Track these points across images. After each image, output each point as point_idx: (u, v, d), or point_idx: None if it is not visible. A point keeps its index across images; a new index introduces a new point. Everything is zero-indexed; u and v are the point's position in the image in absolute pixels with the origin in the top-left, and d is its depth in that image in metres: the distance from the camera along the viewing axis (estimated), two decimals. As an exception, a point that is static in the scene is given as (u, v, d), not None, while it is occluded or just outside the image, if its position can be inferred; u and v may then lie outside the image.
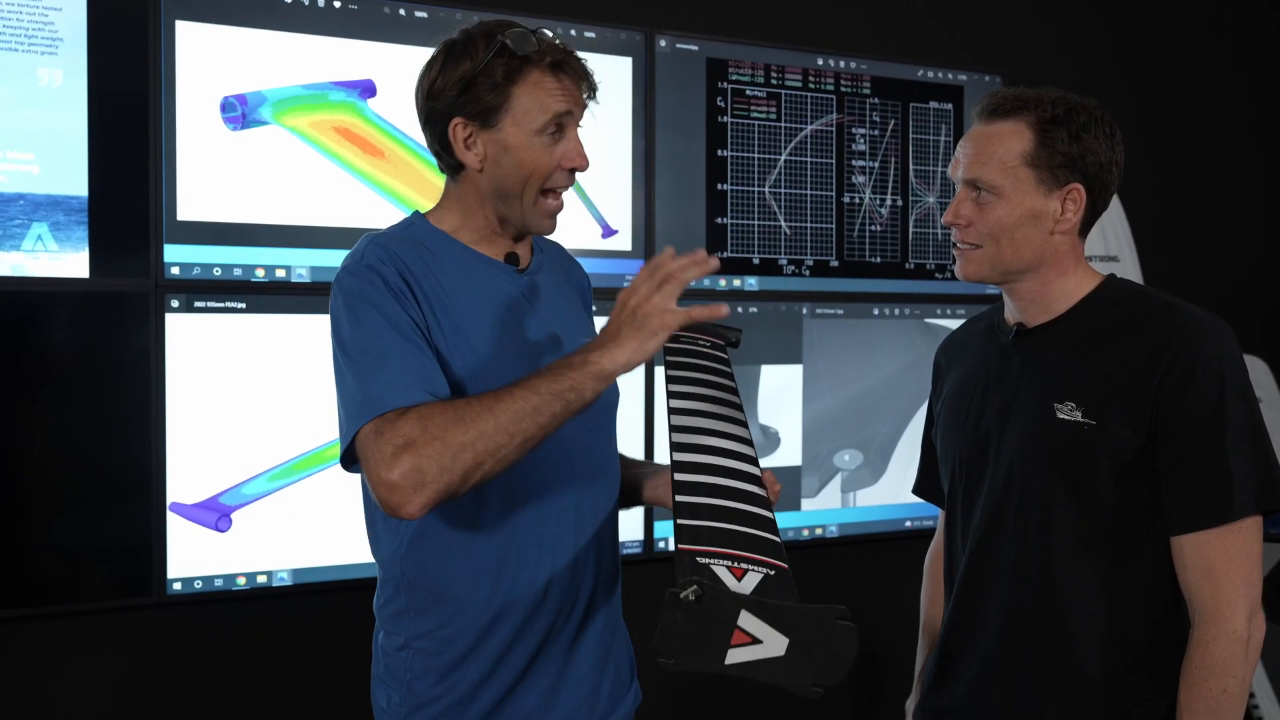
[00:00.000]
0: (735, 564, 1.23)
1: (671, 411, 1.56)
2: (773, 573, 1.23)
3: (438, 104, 1.50)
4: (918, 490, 1.97)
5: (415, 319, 1.43)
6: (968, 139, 1.61)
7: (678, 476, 1.40)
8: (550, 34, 1.53)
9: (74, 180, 2.33)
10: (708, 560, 1.22)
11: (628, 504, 1.72)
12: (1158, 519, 1.52)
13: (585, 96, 1.52)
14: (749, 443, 1.52)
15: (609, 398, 1.62)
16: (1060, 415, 1.54)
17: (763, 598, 1.17)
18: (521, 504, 1.50)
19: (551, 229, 1.56)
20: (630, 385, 2.66)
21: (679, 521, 1.31)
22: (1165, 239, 3.75)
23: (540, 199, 1.52)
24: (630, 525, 2.82)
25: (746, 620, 1.15)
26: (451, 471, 1.30)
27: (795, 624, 1.15)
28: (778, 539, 1.31)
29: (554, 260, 1.68)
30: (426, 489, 1.29)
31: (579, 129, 1.54)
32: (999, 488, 1.62)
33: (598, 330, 1.43)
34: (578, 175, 1.56)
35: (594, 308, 1.77)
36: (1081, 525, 1.55)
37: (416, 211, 1.61)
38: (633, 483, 1.71)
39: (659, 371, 2.88)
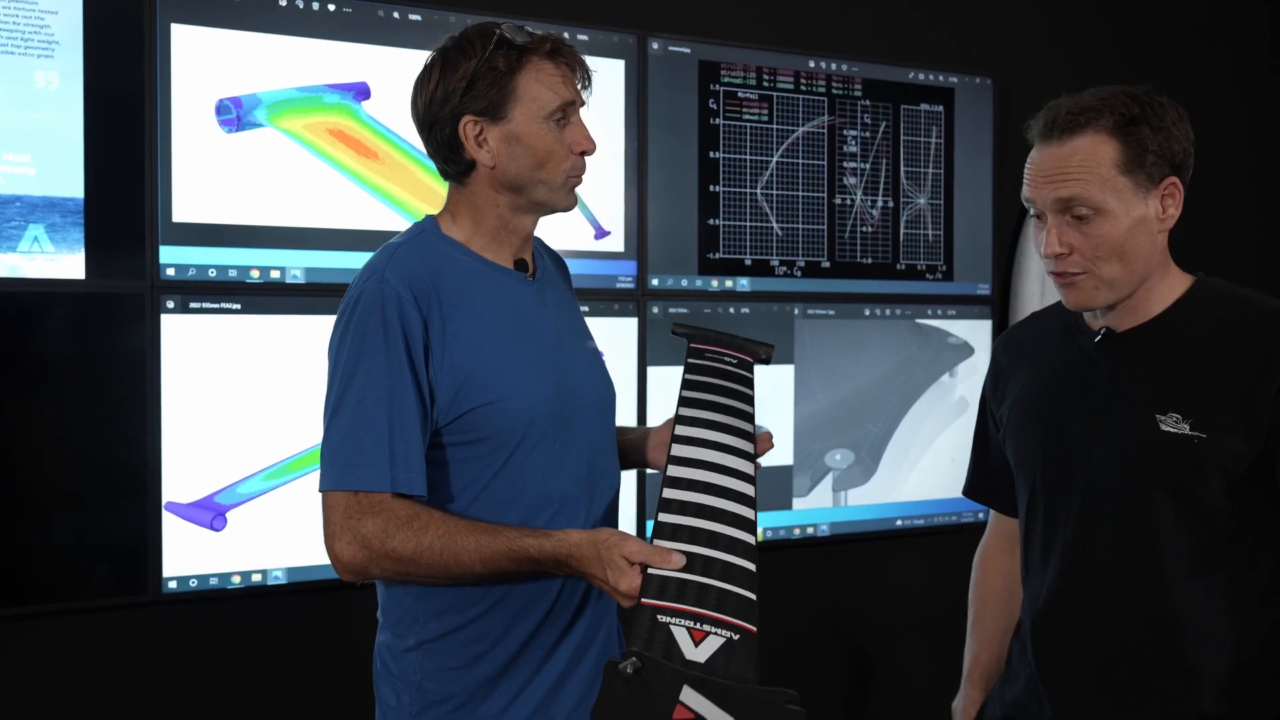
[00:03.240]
0: (697, 625, 1.21)
1: (679, 421, 1.58)
2: (736, 636, 1.21)
3: (443, 109, 1.54)
4: (971, 491, 1.87)
5: (416, 366, 1.48)
6: (1044, 161, 1.50)
7: (666, 492, 1.42)
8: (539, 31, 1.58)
9: (70, 182, 2.35)
10: (668, 620, 1.21)
11: (625, 466, 1.77)
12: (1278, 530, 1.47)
13: (581, 86, 1.57)
14: (750, 479, 1.50)
15: (607, 396, 1.68)
16: (1165, 428, 1.46)
17: (709, 674, 1.14)
18: (535, 505, 1.54)
19: (574, 204, 1.62)
20: (624, 386, 2.68)
21: (655, 541, 1.33)
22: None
23: (567, 181, 1.57)
24: (624, 525, 2.85)
25: (689, 696, 1.13)
26: (386, 574, 1.47)
27: (741, 705, 1.13)
28: (753, 596, 1.28)
29: (548, 261, 1.73)
30: (360, 577, 1.48)
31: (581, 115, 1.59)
32: (1094, 503, 1.54)
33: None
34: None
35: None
36: (1194, 543, 1.47)
37: (428, 217, 1.64)
38: (627, 447, 1.76)
39: (651, 371, 2.91)
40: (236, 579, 2.49)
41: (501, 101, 1.52)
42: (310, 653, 2.64)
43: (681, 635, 1.19)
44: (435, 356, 1.49)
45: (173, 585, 2.43)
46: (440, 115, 1.54)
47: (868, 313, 3.22)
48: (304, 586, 2.55)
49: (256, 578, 2.51)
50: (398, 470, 1.45)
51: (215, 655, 2.56)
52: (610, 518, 1.66)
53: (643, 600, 1.24)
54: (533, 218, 1.62)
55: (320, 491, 1.48)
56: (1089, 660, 1.54)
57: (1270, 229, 4.10)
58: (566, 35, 2.74)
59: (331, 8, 2.56)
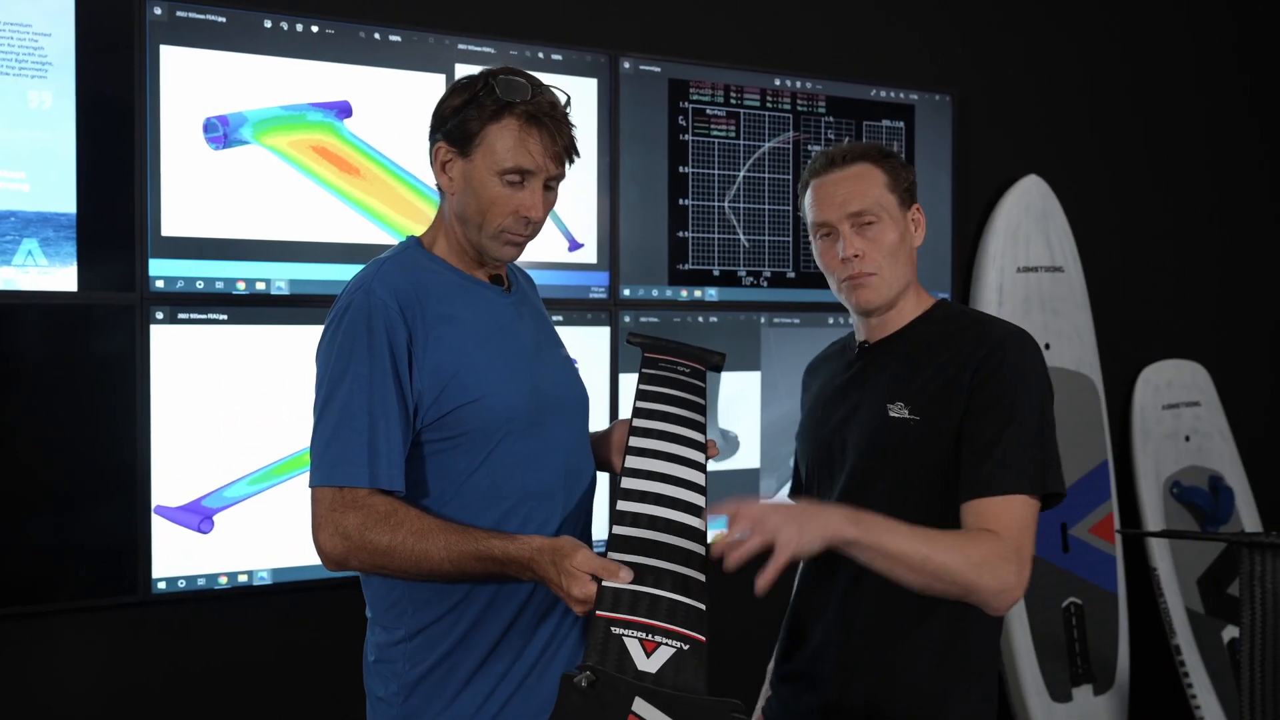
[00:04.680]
0: (649, 636, 1.28)
1: (632, 432, 1.66)
2: (686, 647, 1.28)
3: (435, 126, 1.67)
4: (793, 496, 2.06)
5: (400, 372, 1.58)
6: (832, 185, 1.79)
7: (620, 504, 1.50)
8: (560, 96, 1.66)
9: (63, 198, 2.43)
10: (621, 631, 1.28)
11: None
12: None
13: (551, 160, 1.64)
14: (701, 489, 1.58)
15: (581, 398, 1.79)
16: (891, 414, 1.73)
17: (659, 685, 1.21)
18: (516, 498, 1.65)
19: (511, 257, 1.71)
20: (597, 393, 2.78)
21: (610, 552, 1.42)
22: (1107, 249, 3.91)
23: (500, 234, 1.66)
24: (599, 520, 2.94)
25: (641, 706, 1.20)
26: (364, 566, 1.58)
27: (690, 713, 1.20)
28: (703, 606, 1.36)
29: (519, 276, 1.84)
30: (340, 568, 1.59)
31: (553, 186, 1.67)
32: (848, 482, 1.78)
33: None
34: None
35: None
36: (909, 507, 1.66)
37: (411, 237, 1.76)
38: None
39: (623, 378, 3.01)
40: (224, 580, 2.58)
41: (469, 140, 1.63)
42: (295, 650, 2.73)
43: (634, 646, 1.26)
44: (418, 361, 1.59)
45: (162, 586, 2.51)
46: (431, 131, 1.67)
47: (831, 321, 3.34)
48: (288, 586, 2.64)
49: (243, 578, 2.59)
50: (378, 468, 1.56)
51: (204, 653, 2.64)
52: (585, 511, 1.76)
53: (598, 613, 1.32)
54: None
55: (309, 487, 1.59)
56: (834, 607, 1.78)
57: (1205, 238, 4.24)
58: (542, 55, 2.88)
59: (315, 29, 2.65)
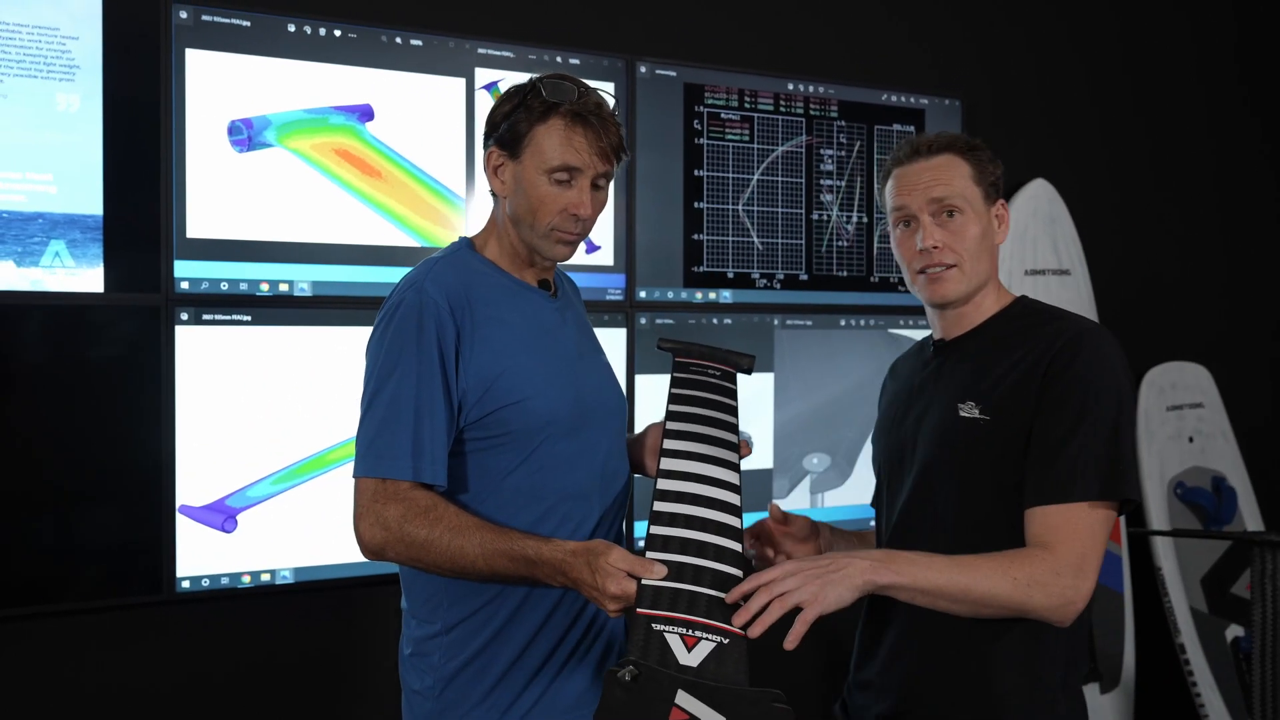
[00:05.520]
0: (690, 631, 1.30)
1: (666, 435, 1.69)
2: (726, 641, 1.30)
3: (485, 134, 1.71)
4: (874, 503, 2.05)
5: (447, 370, 1.61)
6: (915, 172, 1.76)
7: (657, 505, 1.52)
8: (607, 98, 1.70)
9: (90, 200, 2.46)
10: (662, 627, 1.30)
11: None
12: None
13: (598, 158, 1.67)
14: (736, 489, 1.60)
15: (620, 404, 1.82)
16: (962, 414, 1.69)
17: (701, 678, 1.23)
18: (554, 499, 1.68)
19: (563, 256, 1.74)
20: (658, 398, 2.81)
21: (648, 552, 1.44)
22: (1113, 252, 3.96)
23: (551, 233, 1.69)
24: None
25: (684, 699, 1.22)
26: (401, 557, 1.60)
27: (732, 705, 1.22)
28: (742, 602, 1.37)
29: (566, 284, 1.87)
30: (378, 557, 1.61)
31: (601, 185, 1.70)
32: (919, 479, 1.74)
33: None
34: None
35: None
36: (977, 507, 1.67)
37: (463, 238, 1.79)
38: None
39: (639, 380, 3.04)
40: (247, 579, 2.60)
41: (518, 144, 1.67)
42: (316, 648, 2.75)
43: (675, 642, 1.28)
44: (465, 360, 1.62)
45: (186, 584, 2.53)
46: (485, 138, 1.72)
47: (843, 323, 3.37)
48: (310, 585, 2.66)
49: (265, 577, 2.61)
50: (422, 462, 1.59)
51: (226, 652, 2.67)
52: (620, 512, 1.79)
53: (638, 610, 1.34)
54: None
55: (353, 477, 1.62)
56: (903, 610, 1.69)
57: (1211, 244, 4.28)
58: (560, 60, 2.91)
59: (338, 33, 2.68)
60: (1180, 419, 4.02)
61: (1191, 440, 4.02)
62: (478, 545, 1.55)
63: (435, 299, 1.62)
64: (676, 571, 1.41)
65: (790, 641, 1.38)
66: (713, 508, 1.56)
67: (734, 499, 1.60)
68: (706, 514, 1.54)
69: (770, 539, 1.88)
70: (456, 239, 1.81)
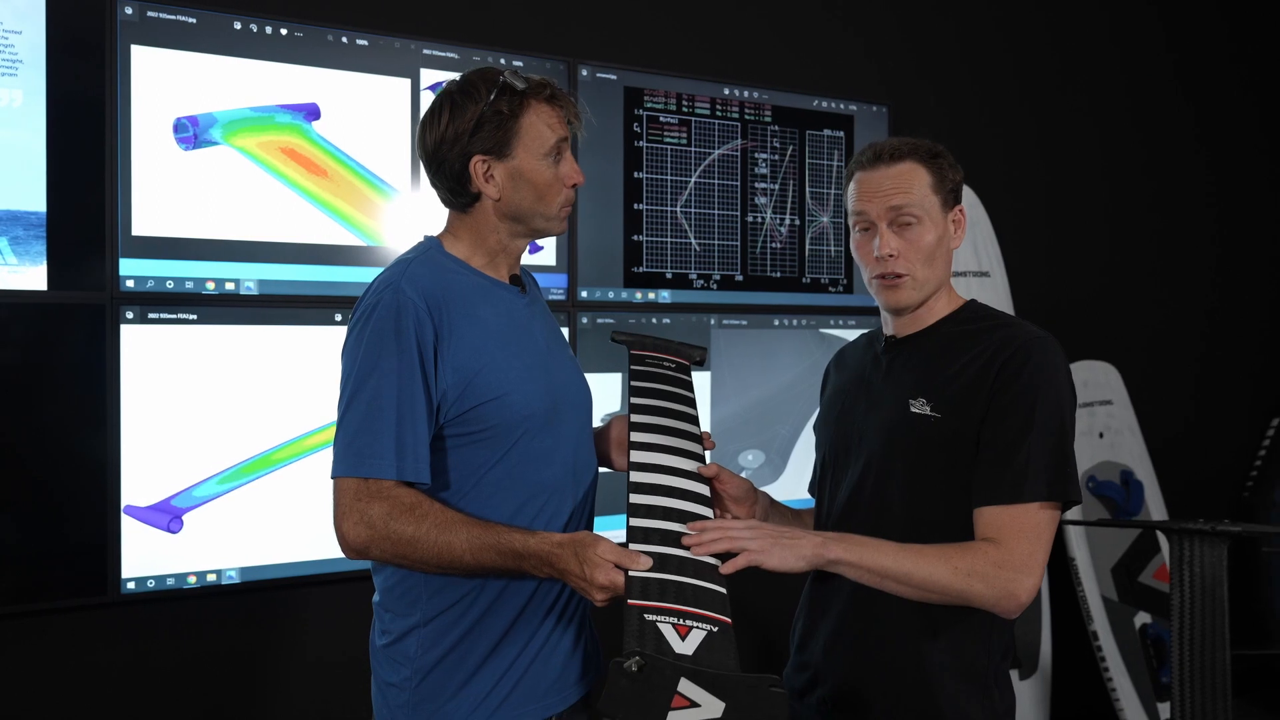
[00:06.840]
0: (681, 621, 1.34)
1: (633, 428, 1.73)
2: (715, 629, 1.34)
3: (453, 148, 1.71)
4: (812, 489, 2.11)
5: (426, 368, 1.64)
6: (875, 179, 1.79)
7: (633, 498, 1.56)
8: (537, 76, 1.76)
9: (33, 196, 2.42)
10: (654, 618, 1.34)
11: None
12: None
13: (572, 125, 1.77)
14: (704, 479, 1.66)
15: (587, 398, 1.86)
16: (913, 410, 1.75)
17: (700, 665, 1.28)
18: (530, 491, 1.71)
19: (564, 230, 1.82)
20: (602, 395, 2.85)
21: (630, 545, 1.48)
22: (1031, 257, 4.11)
23: (560, 210, 1.77)
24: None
25: (686, 686, 1.26)
26: (385, 556, 1.61)
27: (731, 690, 1.26)
28: (723, 590, 1.43)
29: (529, 278, 1.91)
30: (362, 556, 1.62)
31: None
32: (864, 471, 1.80)
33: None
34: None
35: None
36: (923, 500, 1.73)
37: (430, 237, 1.81)
38: None
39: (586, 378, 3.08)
40: (192, 579, 2.58)
41: (507, 141, 1.70)
42: (263, 647, 2.74)
43: (669, 631, 1.32)
44: (444, 359, 1.65)
45: (131, 586, 2.51)
46: (449, 154, 1.71)
47: (777, 323, 3.46)
48: (256, 585, 2.65)
49: (212, 578, 2.60)
50: (405, 460, 1.61)
51: (173, 652, 2.64)
52: (589, 503, 1.84)
53: (629, 601, 1.37)
54: (526, 241, 1.80)
55: (332, 478, 1.63)
56: (845, 597, 1.80)
57: (1118, 246, 4.47)
58: (503, 61, 2.94)
59: (284, 32, 2.68)
60: (1091, 415, 4.19)
61: (1102, 436, 4.19)
62: (465, 540, 1.58)
63: (413, 299, 1.65)
64: (661, 562, 1.45)
65: (726, 567, 1.49)
66: (685, 499, 1.60)
67: (704, 489, 1.66)
68: (682, 505, 1.58)
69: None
70: (422, 239, 1.82)
